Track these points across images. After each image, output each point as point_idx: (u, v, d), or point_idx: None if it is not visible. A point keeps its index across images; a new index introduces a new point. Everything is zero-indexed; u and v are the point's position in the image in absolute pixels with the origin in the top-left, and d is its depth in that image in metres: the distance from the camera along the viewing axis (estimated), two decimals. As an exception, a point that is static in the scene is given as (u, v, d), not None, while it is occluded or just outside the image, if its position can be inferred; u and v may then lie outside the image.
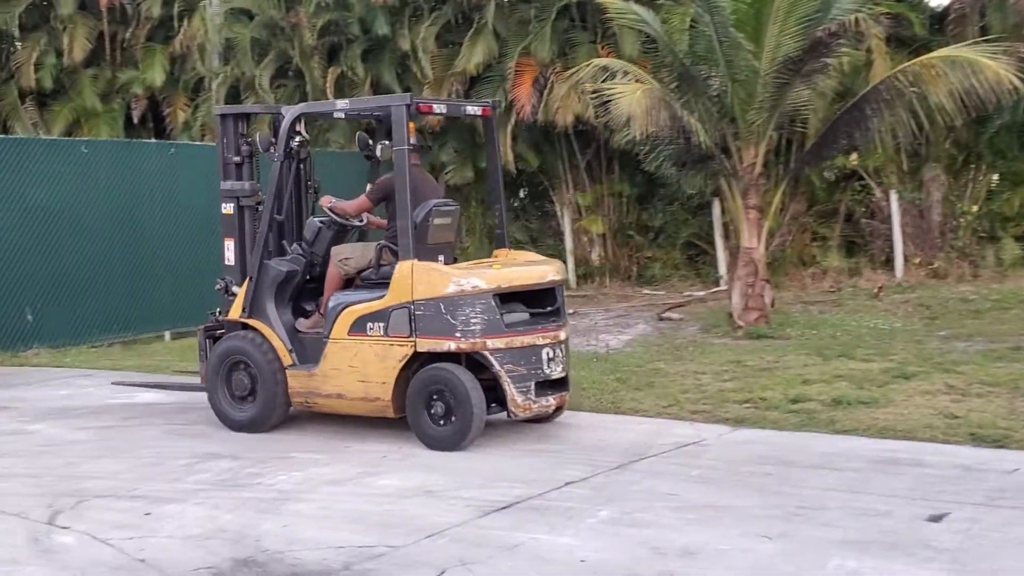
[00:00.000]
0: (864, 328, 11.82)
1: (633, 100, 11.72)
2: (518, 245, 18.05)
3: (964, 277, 14.78)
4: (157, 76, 19.06)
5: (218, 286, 8.49)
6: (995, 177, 16.09)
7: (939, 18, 15.88)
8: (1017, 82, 11.23)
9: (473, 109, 8.44)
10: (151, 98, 19.75)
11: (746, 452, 7.04)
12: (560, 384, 7.58)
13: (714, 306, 14.08)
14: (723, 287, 14.87)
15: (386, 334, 7.40)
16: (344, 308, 7.63)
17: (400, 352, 7.37)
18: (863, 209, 16.22)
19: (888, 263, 15.61)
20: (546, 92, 16.22)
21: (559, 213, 17.98)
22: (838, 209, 16.39)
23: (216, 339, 8.40)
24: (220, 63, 18.94)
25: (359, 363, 7.53)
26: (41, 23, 19.62)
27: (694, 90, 12.22)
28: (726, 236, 16.22)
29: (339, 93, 17.12)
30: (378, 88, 17.53)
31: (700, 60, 12.44)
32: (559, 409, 7.74)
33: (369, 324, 7.47)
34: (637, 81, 12.29)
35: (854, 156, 15.84)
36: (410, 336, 7.31)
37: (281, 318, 7.99)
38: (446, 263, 7.72)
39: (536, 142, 17.52)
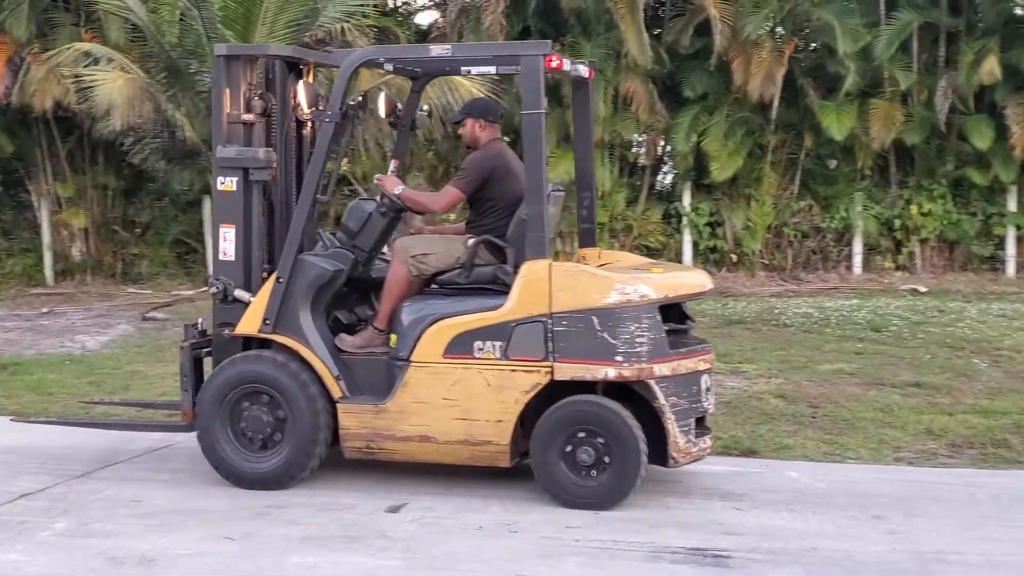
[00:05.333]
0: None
1: (115, 89, 11.30)
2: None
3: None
4: None
5: (213, 289, 6.39)
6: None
7: (424, 35, 16.82)
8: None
9: (582, 69, 6.44)
10: None
11: (219, 454, 6.97)
12: (704, 421, 6.17)
13: (203, 306, 13.81)
14: (212, 286, 14.62)
15: (505, 356, 5.80)
16: (434, 322, 5.95)
17: (528, 381, 5.77)
18: (351, 213, 16.75)
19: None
20: (22, 73, 15.03)
21: (36, 204, 16.74)
22: (328, 212, 16.78)
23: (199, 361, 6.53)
24: None
25: (460, 395, 5.87)
26: None
27: (182, 84, 11.99)
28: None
29: None
30: None
31: (189, 54, 12.21)
32: None
33: (478, 343, 5.84)
34: (122, 70, 11.81)
35: (345, 161, 16.30)
36: (544, 360, 5.76)
37: (319, 333, 6.19)
38: None
39: (10, 126, 16.18)
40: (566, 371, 5.70)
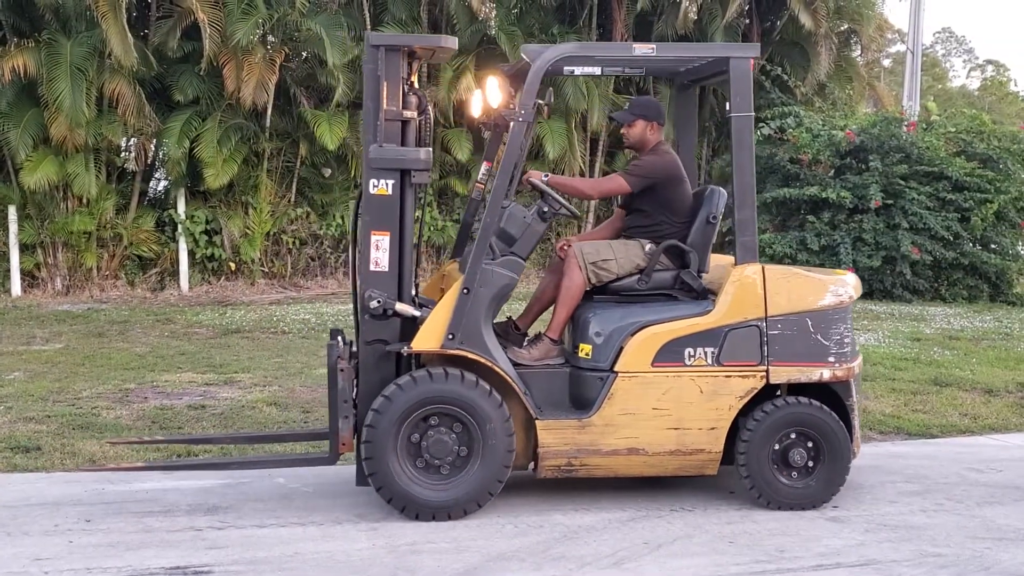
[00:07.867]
0: None
1: None
2: None
3: None
4: None
5: (374, 303, 5.71)
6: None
7: None
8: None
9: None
10: None
11: None
12: None
13: None
14: None
15: (717, 363, 5.77)
16: (638, 330, 5.78)
17: (742, 386, 5.79)
18: None
19: None
20: None
21: None
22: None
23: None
24: None
25: (671, 404, 5.77)
26: None
27: None
28: None
29: None
30: None
31: None
32: None
33: (688, 350, 5.75)
34: None
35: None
36: (760, 364, 5.78)
37: (500, 347, 5.79)
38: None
39: None
40: (782, 374, 5.83)
